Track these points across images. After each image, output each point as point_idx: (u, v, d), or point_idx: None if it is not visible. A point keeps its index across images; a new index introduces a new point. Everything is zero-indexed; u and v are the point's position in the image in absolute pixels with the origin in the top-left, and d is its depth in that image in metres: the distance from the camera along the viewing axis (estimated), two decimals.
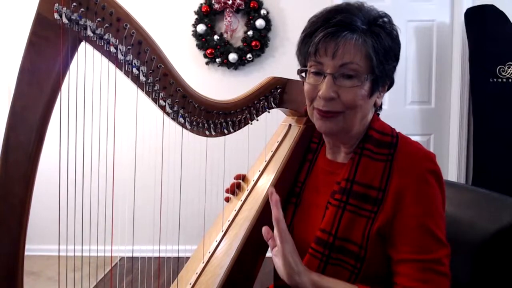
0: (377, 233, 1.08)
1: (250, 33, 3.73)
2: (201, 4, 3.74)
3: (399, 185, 1.08)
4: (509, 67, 3.50)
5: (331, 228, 1.11)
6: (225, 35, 3.76)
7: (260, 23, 3.71)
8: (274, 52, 3.82)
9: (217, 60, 3.76)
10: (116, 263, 3.51)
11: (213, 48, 3.74)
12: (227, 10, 3.74)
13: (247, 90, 1.33)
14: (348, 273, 1.09)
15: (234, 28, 3.80)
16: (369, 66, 1.09)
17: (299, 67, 1.19)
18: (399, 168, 1.10)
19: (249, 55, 3.75)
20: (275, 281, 1.28)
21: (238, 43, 3.79)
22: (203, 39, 3.75)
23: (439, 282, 1.04)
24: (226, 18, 3.75)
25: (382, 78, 1.13)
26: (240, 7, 3.73)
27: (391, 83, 1.20)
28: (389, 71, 1.14)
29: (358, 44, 1.07)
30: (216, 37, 3.75)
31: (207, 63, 3.83)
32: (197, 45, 3.78)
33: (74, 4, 0.94)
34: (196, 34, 3.76)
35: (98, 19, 0.97)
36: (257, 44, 3.73)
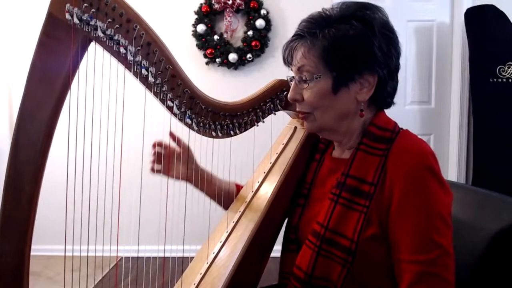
0: (371, 229, 1.09)
1: (250, 33, 3.73)
2: (201, 4, 3.74)
3: (391, 181, 1.08)
4: (509, 67, 3.51)
5: (324, 221, 1.13)
6: (225, 35, 3.76)
7: (260, 23, 3.71)
8: (274, 52, 3.82)
9: (217, 60, 3.76)
10: (116, 263, 3.50)
11: (213, 48, 3.74)
12: (227, 10, 3.73)
13: (247, 90, 1.33)
14: (340, 266, 1.09)
15: (234, 28, 3.79)
16: (320, 66, 1.14)
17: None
18: (392, 165, 1.10)
19: (249, 55, 3.75)
20: (280, 272, 1.30)
21: (238, 43, 3.79)
22: (203, 39, 3.75)
23: (430, 284, 1.04)
24: (226, 18, 3.75)
25: (344, 76, 1.13)
26: (240, 7, 3.73)
27: (382, 78, 1.16)
28: (353, 67, 1.13)
29: (305, 50, 1.16)
30: (216, 37, 3.75)
31: (207, 63, 3.82)
32: (197, 45, 3.78)
33: (85, 4, 0.94)
34: (196, 34, 3.76)
35: (109, 20, 0.97)
36: (257, 44, 3.73)
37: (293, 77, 1.23)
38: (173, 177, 1.45)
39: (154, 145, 1.44)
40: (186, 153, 1.45)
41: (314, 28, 1.15)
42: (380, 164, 1.11)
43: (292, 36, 1.20)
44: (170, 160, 1.45)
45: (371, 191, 1.10)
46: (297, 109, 1.23)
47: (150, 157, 1.44)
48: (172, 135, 1.42)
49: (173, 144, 1.44)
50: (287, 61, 1.23)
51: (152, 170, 1.46)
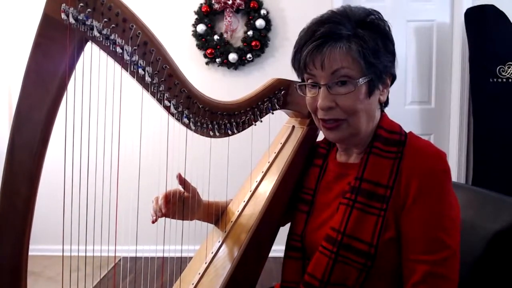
0: (389, 232, 1.09)
1: (250, 33, 3.73)
2: (201, 4, 3.74)
3: (407, 181, 1.09)
4: (509, 67, 3.51)
5: (340, 226, 1.11)
6: (225, 35, 3.76)
7: (260, 23, 3.71)
8: (274, 52, 3.83)
9: (217, 60, 3.76)
10: (116, 263, 3.50)
11: (213, 48, 3.74)
12: (227, 10, 3.73)
13: (247, 90, 1.33)
14: (357, 271, 1.09)
15: (234, 28, 3.79)
16: (359, 69, 1.10)
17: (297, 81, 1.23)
18: (408, 166, 1.10)
19: (249, 55, 3.75)
20: (283, 281, 1.28)
21: (238, 43, 3.79)
22: (203, 39, 3.75)
23: (436, 284, 1.05)
24: (226, 18, 3.75)
25: (378, 77, 1.13)
26: (240, 7, 3.73)
27: (393, 78, 1.20)
28: (384, 68, 1.14)
29: (343, 52, 1.09)
30: (216, 37, 3.75)
31: (207, 63, 3.82)
32: (197, 45, 3.78)
33: (81, 4, 0.93)
34: (196, 34, 3.76)
35: (105, 19, 0.97)
36: (257, 44, 3.73)
37: (303, 83, 1.19)
38: (180, 219, 1.37)
39: (165, 196, 1.31)
40: (195, 198, 1.36)
41: (345, 30, 1.10)
42: (394, 166, 1.12)
43: (318, 39, 1.11)
44: (177, 205, 1.34)
45: (387, 194, 1.10)
46: (325, 117, 1.15)
47: (158, 206, 1.31)
48: (180, 179, 1.32)
49: (180, 188, 1.35)
50: (308, 67, 1.14)
51: (154, 222, 1.31)
